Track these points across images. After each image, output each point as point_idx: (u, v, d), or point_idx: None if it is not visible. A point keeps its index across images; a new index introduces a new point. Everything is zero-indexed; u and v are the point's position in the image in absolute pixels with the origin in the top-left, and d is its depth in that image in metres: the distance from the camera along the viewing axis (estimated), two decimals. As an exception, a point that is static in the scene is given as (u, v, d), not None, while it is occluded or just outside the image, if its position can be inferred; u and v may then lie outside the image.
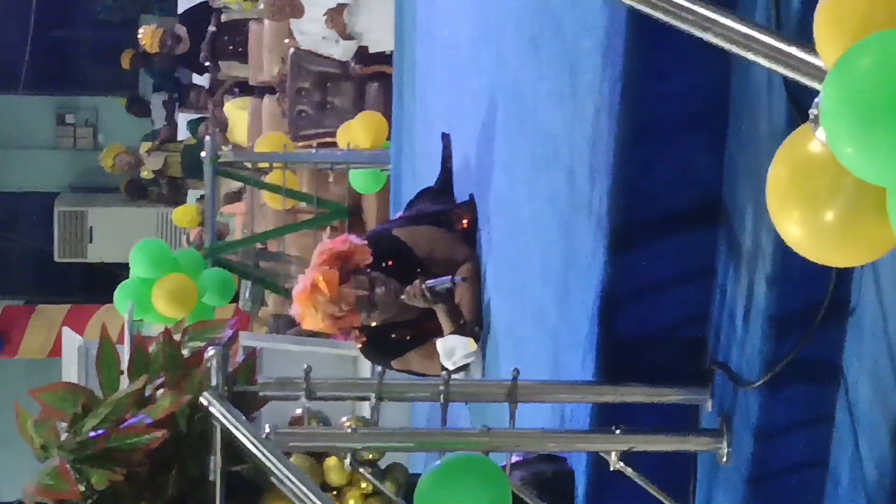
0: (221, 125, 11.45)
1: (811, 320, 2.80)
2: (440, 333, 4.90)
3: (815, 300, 2.79)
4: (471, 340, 4.75)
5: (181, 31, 12.70)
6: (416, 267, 4.97)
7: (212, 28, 11.95)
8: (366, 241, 4.94)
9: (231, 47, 11.68)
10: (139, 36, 13.08)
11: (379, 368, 3.22)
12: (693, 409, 3.25)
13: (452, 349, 4.71)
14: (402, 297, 4.84)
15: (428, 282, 4.83)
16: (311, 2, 9.04)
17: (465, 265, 4.97)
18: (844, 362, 2.82)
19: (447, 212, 5.25)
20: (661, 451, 3.22)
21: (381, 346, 5.06)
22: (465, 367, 4.77)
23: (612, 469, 3.12)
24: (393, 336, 5.06)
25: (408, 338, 5.08)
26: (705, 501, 3.22)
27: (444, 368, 4.65)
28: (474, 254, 5.06)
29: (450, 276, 4.84)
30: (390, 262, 4.95)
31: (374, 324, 4.93)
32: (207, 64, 12.18)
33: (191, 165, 12.79)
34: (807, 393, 2.90)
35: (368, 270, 4.85)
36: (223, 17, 12.05)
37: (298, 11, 9.07)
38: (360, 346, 5.09)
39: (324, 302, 4.75)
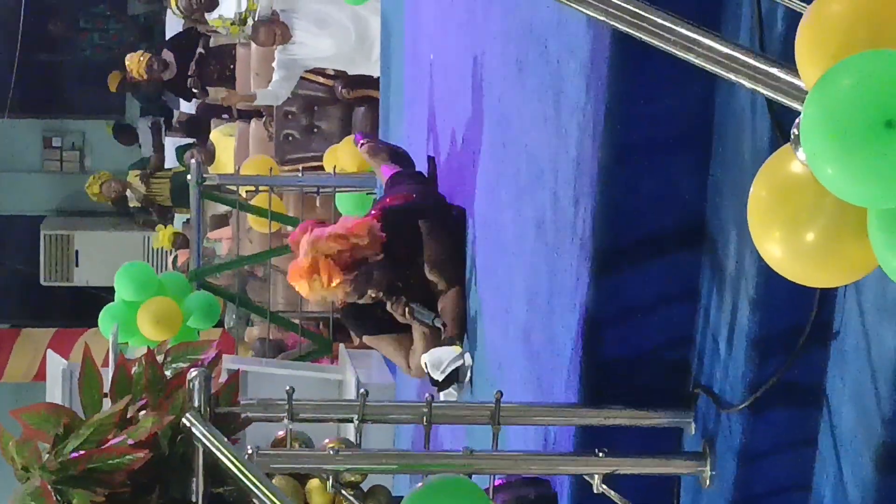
0: (208, 155, 11.43)
1: (794, 343, 2.80)
2: None
3: (798, 323, 2.80)
4: (455, 347, 4.80)
5: (168, 56, 12.68)
6: (411, 261, 5.02)
7: (200, 51, 11.94)
8: (383, 220, 5.02)
9: (218, 72, 11.68)
10: (126, 63, 13.07)
11: (363, 391, 3.21)
12: (676, 431, 3.25)
13: (439, 360, 4.76)
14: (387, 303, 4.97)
15: (414, 305, 4.93)
16: (299, 27, 9.04)
17: (451, 291, 4.98)
18: (827, 386, 2.82)
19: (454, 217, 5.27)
20: (644, 474, 3.22)
21: (361, 316, 5.17)
22: (455, 379, 4.77)
23: (595, 492, 3.12)
24: (378, 313, 5.13)
25: (390, 321, 5.14)
26: (689, 524, 3.22)
27: (433, 382, 4.70)
28: (463, 277, 5.06)
29: (434, 314, 4.95)
30: (394, 243, 5.03)
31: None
32: (195, 91, 12.17)
33: (179, 193, 12.74)
34: (790, 416, 2.90)
35: (373, 262, 4.93)
36: (211, 43, 12.05)
37: (287, 37, 9.08)
38: (340, 306, 5.20)
39: (318, 287, 4.89)
